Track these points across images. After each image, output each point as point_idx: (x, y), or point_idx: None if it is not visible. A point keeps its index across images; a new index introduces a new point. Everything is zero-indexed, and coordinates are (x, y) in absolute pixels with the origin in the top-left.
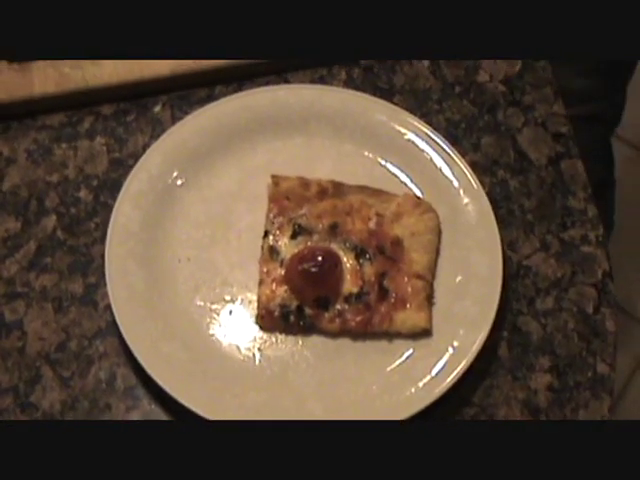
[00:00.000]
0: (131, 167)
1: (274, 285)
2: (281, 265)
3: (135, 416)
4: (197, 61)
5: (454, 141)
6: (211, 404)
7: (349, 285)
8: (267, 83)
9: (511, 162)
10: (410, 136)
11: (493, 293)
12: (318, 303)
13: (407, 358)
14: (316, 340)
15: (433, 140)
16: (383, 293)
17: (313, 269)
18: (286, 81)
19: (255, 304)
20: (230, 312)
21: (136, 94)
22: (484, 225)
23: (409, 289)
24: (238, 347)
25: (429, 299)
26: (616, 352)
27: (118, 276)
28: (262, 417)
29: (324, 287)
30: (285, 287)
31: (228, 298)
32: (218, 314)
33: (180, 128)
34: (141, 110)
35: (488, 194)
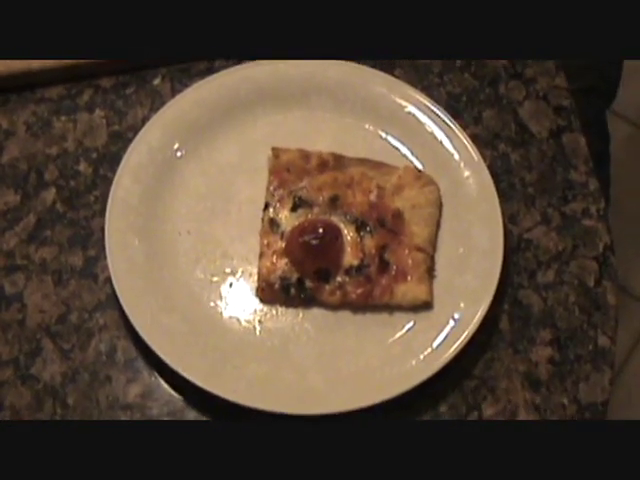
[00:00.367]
0: (130, 140)
1: (274, 258)
2: (281, 238)
3: (136, 388)
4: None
5: (455, 114)
6: (211, 376)
7: (350, 258)
8: None
9: (512, 135)
10: (411, 109)
11: (494, 266)
12: (319, 275)
13: (408, 331)
14: (317, 312)
15: (434, 113)
16: (384, 266)
17: (314, 241)
18: None
19: (255, 277)
20: (230, 284)
21: (135, 67)
22: (485, 198)
23: (410, 262)
24: (238, 319)
25: (430, 272)
26: (617, 325)
27: (118, 249)
28: (263, 389)
29: (325, 259)
30: (285, 260)
31: (228, 270)
32: (218, 286)
33: (180, 100)
34: (140, 83)
35: (489, 167)
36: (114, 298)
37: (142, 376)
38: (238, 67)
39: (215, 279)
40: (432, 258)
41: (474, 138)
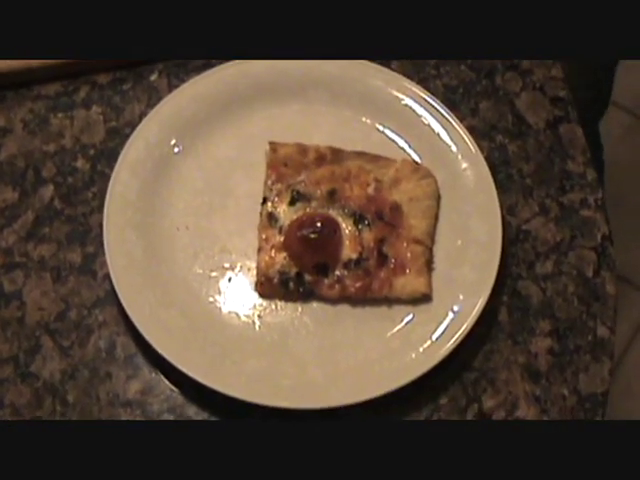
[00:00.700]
0: (128, 136)
1: (273, 252)
2: (280, 232)
3: (136, 385)
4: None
5: (452, 106)
6: (211, 371)
7: (348, 251)
8: None
9: (509, 126)
10: (408, 101)
11: (493, 258)
12: (317, 269)
13: (407, 323)
14: (316, 306)
15: (431, 105)
16: (382, 259)
17: (312, 235)
18: None
19: (254, 271)
20: (229, 279)
21: (132, 63)
22: (483, 190)
23: (408, 254)
24: (237, 314)
25: (428, 264)
26: (616, 315)
27: (116, 245)
28: (262, 384)
29: (323, 253)
30: (284, 254)
31: (227, 265)
32: (217, 281)
33: (177, 96)
34: (137, 78)
35: (487, 159)
36: (113, 294)
37: (142, 372)
38: (235, 62)
39: (214, 274)
40: (430, 250)
41: (471, 130)
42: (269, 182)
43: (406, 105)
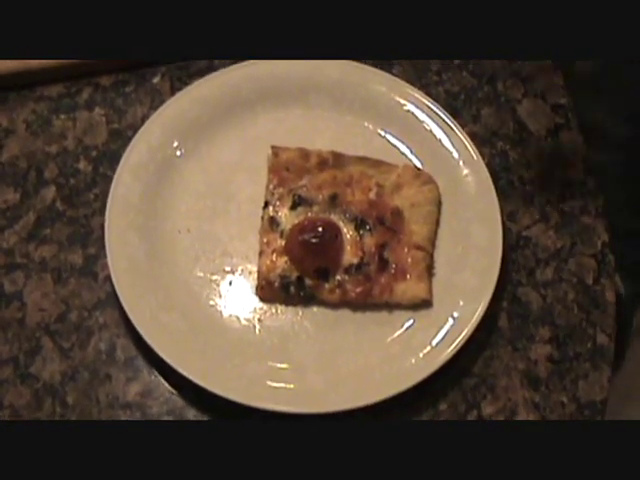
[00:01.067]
0: (130, 138)
1: (274, 256)
2: (281, 236)
3: (135, 387)
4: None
5: (454, 112)
6: (211, 374)
7: (349, 256)
8: None
9: (510, 133)
10: (410, 107)
11: (493, 264)
12: (318, 274)
13: (407, 329)
14: (316, 311)
15: (433, 111)
16: (383, 264)
17: (313, 240)
18: None
19: (255, 275)
20: (230, 283)
21: (134, 65)
22: (484, 196)
23: (409, 260)
24: (238, 318)
25: (429, 270)
26: (616, 323)
27: (118, 247)
28: (262, 388)
29: (324, 258)
30: (285, 258)
31: (228, 269)
32: (218, 285)
33: (179, 99)
34: (140, 81)
35: (488, 165)
36: (114, 296)
37: (142, 375)
38: (237, 65)
39: (215, 277)
40: (431, 256)
41: (473, 136)
42: (271, 186)
43: (408, 111)
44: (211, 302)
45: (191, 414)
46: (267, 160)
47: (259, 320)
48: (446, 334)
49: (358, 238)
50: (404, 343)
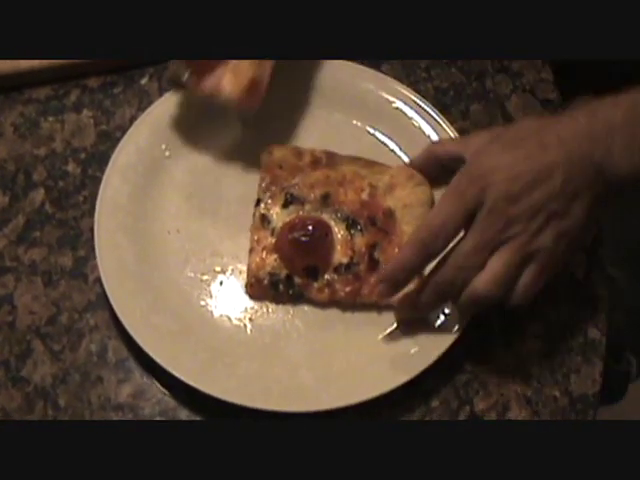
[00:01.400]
0: (119, 140)
1: (264, 253)
2: (272, 234)
3: (127, 388)
4: None
5: (442, 109)
6: (202, 374)
7: (339, 255)
8: None
9: None
10: (398, 104)
11: None
12: (307, 272)
13: (398, 326)
14: (307, 310)
15: (421, 108)
16: (373, 264)
17: (303, 238)
18: None
19: (245, 274)
20: (221, 283)
21: (122, 66)
22: None
23: None
24: (229, 317)
25: None
26: (607, 317)
27: (108, 249)
28: (254, 387)
29: (314, 257)
30: (275, 256)
31: (218, 269)
32: (208, 285)
33: (167, 100)
34: (128, 82)
35: None
36: (104, 298)
37: (133, 376)
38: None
39: (205, 277)
40: None
41: (462, 132)
42: (263, 184)
43: (397, 108)
44: (202, 302)
45: (183, 414)
46: (257, 159)
47: (250, 320)
48: (437, 331)
49: (349, 238)
50: (395, 341)
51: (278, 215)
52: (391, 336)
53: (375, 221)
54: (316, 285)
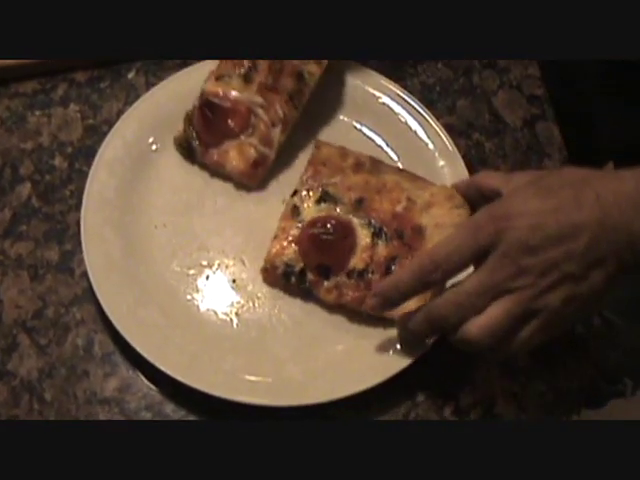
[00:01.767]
0: (106, 134)
1: (285, 243)
2: (299, 226)
3: (113, 382)
4: None
5: (429, 104)
6: (189, 369)
7: (356, 260)
8: None
9: (486, 124)
10: (385, 99)
11: None
12: (319, 270)
13: (386, 321)
14: (293, 304)
15: (408, 103)
16: (388, 276)
17: (321, 236)
18: None
19: (232, 269)
20: (207, 277)
21: (109, 60)
22: None
23: None
24: (215, 312)
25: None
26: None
27: (94, 243)
28: (240, 381)
29: (328, 256)
30: (295, 248)
31: (205, 263)
32: (195, 279)
33: (155, 94)
34: (115, 76)
35: (464, 157)
36: (90, 292)
37: (120, 370)
38: (212, 60)
39: (191, 272)
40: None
41: (448, 128)
42: (304, 177)
43: (383, 103)
44: (188, 297)
45: (169, 409)
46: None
47: (236, 314)
48: None
49: (371, 245)
50: (382, 334)
51: (309, 209)
52: (378, 330)
53: (402, 235)
54: (326, 285)
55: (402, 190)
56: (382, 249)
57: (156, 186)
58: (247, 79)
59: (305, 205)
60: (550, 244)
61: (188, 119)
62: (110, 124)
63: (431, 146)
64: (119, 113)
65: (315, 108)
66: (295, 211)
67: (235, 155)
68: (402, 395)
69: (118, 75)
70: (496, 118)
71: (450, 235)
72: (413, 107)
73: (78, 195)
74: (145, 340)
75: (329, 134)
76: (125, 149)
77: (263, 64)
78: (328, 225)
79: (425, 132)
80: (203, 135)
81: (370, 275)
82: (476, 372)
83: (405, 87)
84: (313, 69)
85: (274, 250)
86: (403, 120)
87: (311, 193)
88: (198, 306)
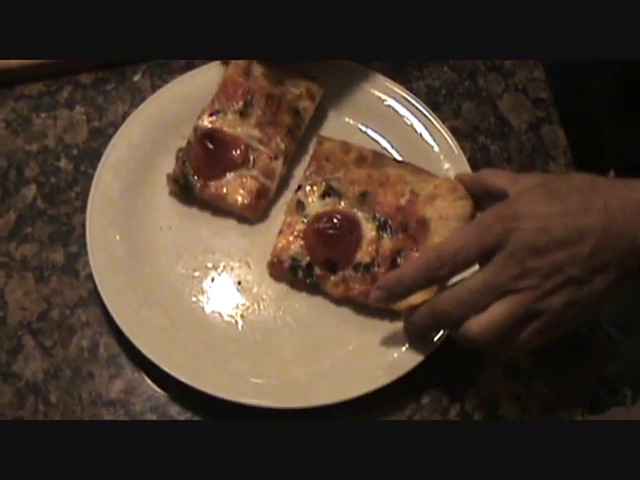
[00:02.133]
0: (111, 136)
1: (291, 237)
2: (304, 221)
3: (118, 384)
4: None
5: (434, 107)
6: (194, 371)
7: (362, 254)
8: None
9: (491, 128)
10: (390, 102)
11: None
12: (326, 265)
13: (390, 322)
14: (298, 306)
15: (414, 106)
16: (394, 269)
17: (327, 230)
18: None
19: (237, 271)
20: (212, 279)
21: (115, 63)
22: None
23: None
24: (220, 314)
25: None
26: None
27: (99, 245)
28: (245, 383)
29: (334, 250)
30: (301, 242)
31: (210, 265)
32: (200, 281)
33: (160, 96)
34: (120, 78)
35: (469, 160)
36: (96, 294)
37: (125, 372)
38: (217, 62)
39: (197, 274)
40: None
41: (454, 131)
42: (308, 172)
43: (389, 106)
44: (193, 299)
45: (174, 410)
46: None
47: (241, 316)
48: None
49: (377, 239)
50: (387, 337)
51: (314, 204)
52: (382, 333)
53: (407, 227)
54: (333, 279)
55: (405, 183)
56: (387, 242)
57: (161, 188)
58: (243, 114)
59: (309, 200)
60: (556, 247)
61: (183, 154)
62: (116, 126)
63: (436, 149)
64: (124, 115)
65: (320, 110)
66: (300, 206)
67: (237, 187)
68: (407, 397)
69: (123, 77)
70: (501, 121)
71: (457, 233)
72: (418, 110)
73: (83, 197)
74: (150, 342)
75: (334, 136)
76: (130, 151)
77: (259, 100)
78: (334, 220)
79: (430, 135)
80: (203, 168)
81: (376, 268)
82: (480, 375)
83: (410, 90)
84: (306, 104)
85: (280, 245)
86: (409, 123)
87: (315, 188)
88: (203, 308)
